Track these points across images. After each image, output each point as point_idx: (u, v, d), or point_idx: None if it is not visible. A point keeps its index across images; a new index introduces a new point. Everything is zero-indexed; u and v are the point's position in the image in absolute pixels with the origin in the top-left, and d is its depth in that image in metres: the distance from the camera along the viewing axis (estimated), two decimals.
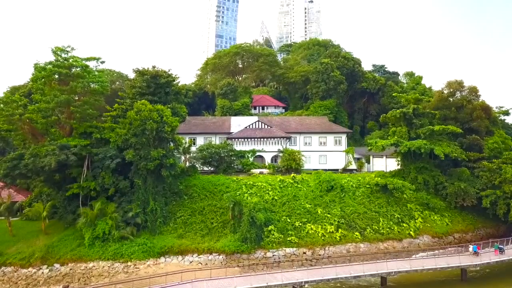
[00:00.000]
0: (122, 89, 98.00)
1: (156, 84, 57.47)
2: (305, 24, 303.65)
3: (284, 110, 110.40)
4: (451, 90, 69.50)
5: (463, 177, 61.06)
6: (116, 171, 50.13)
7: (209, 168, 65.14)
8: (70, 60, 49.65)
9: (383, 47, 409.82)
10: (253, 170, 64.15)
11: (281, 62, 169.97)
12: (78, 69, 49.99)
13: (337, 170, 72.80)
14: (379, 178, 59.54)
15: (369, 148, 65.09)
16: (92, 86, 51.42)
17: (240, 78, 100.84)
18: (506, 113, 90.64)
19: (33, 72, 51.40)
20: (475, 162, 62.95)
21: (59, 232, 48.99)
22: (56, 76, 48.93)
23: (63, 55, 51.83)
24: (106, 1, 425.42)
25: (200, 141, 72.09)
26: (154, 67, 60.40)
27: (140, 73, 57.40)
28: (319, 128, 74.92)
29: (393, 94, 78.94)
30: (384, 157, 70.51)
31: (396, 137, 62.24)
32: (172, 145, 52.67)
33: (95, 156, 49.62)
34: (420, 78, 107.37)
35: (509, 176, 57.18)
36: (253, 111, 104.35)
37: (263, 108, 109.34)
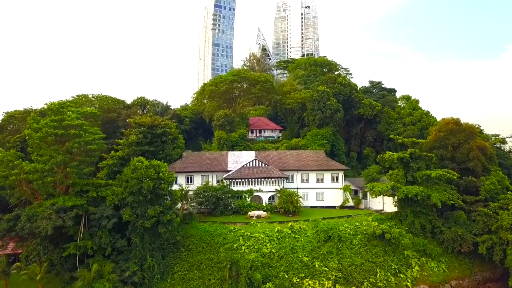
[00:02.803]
0: (119, 116, 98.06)
1: (153, 134, 57.41)
2: (302, 29, 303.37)
3: (280, 133, 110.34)
4: (448, 128, 69.49)
5: (459, 221, 61.23)
6: (113, 229, 50.06)
7: (206, 207, 65.20)
8: (66, 121, 49.24)
9: (380, 54, 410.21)
10: (250, 213, 64.18)
11: (278, 78, 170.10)
12: (74, 128, 49.60)
13: (334, 207, 73.23)
14: (376, 223, 59.70)
15: (367, 190, 65.12)
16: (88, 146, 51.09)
17: (237, 105, 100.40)
18: (503, 141, 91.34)
19: (28, 128, 51.06)
20: (472, 205, 63.15)
21: None
22: (52, 137, 48.55)
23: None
24: (102, 8, 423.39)
25: (197, 179, 72.02)
26: (151, 116, 60.28)
27: (137, 124, 57.24)
28: (316, 164, 74.94)
29: (390, 136, 78.92)
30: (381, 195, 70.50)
31: (392, 181, 62.32)
32: (169, 199, 52.47)
33: (92, 214, 49.51)
34: (417, 102, 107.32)
35: (505, 223, 57.39)
36: (250, 135, 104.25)
37: (260, 132, 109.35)
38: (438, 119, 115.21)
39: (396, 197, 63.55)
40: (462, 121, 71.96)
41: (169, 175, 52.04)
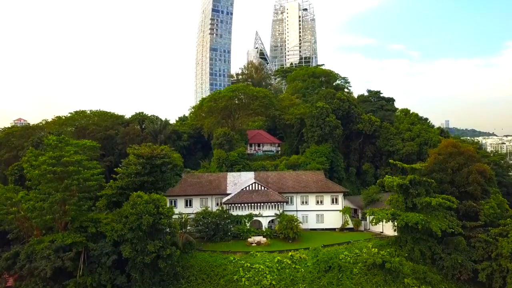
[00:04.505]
0: (117, 133, 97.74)
1: (152, 165, 57.19)
2: (300, 32, 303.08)
3: (279, 147, 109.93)
4: (447, 151, 69.34)
5: (459, 248, 61.11)
6: (113, 265, 49.84)
7: (205, 233, 65.07)
8: (65, 158, 48.90)
9: (376, 51, 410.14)
10: (250, 240, 64.05)
11: (276, 85, 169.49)
12: (73, 165, 49.22)
13: (334, 229, 73.25)
14: (376, 250, 59.81)
15: (367, 215, 65.08)
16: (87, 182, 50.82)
17: (235, 120, 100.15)
18: (502, 157, 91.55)
19: (27, 161, 50.72)
20: (472, 230, 63.13)
21: None
22: (51, 175, 48.25)
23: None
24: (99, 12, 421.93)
25: (196, 202, 72.11)
26: (150, 145, 60.07)
27: (136, 155, 56.96)
28: (316, 187, 74.76)
29: (390, 161, 78.53)
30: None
31: (392, 208, 62.26)
32: (169, 235, 52.12)
33: (92, 250, 49.29)
34: (416, 115, 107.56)
35: (505, 251, 57.42)
36: (248, 149, 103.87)
37: (258, 146, 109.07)
38: (437, 122, 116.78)
39: (395, 222, 63.58)
40: (460, 120, 72.13)
41: (168, 209, 51.85)
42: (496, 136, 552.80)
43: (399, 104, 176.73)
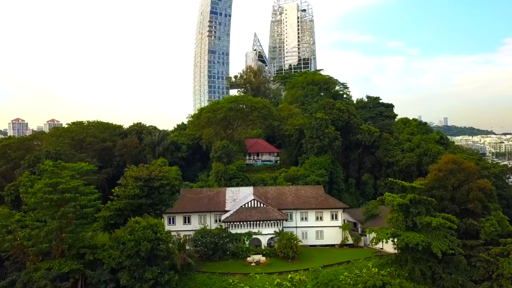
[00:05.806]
0: (115, 145, 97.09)
1: (150, 187, 56.63)
2: (298, 33, 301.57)
3: (278, 156, 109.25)
4: (448, 168, 68.84)
5: (460, 267, 60.74)
6: None
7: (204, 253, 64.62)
8: (61, 185, 48.18)
9: (375, 49, 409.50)
10: (249, 259, 63.59)
11: (275, 90, 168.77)
12: (69, 192, 48.49)
13: (334, 245, 72.87)
14: (377, 270, 59.48)
15: (366, 233, 64.66)
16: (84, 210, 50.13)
17: (234, 130, 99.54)
18: (502, 170, 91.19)
19: (23, 185, 50.10)
20: (472, 249, 62.74)
21: None
22: (48, 202, 47.62)
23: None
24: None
25: (195, 219, 71.58)
26: (148, 167, 59.51)
27: (134, 178, 56.37)
28: (316, 203, 74.24)
29: (390, 179, 77.76)
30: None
31: (393, 228, 61.76)
32: (166, 259, 51.51)
33: (89, 278, 48.72)
34: (415, 124, 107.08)
35: (506, 272, 57.06)
36: (247, 159, 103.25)
37: (257, 155, 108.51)
38: (435, 119, 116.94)
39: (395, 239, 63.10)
40: (458, 117, 71.48)
41: (167, 234, 51.27)
42: (495, 134, 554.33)
43: (397, 102, 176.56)
